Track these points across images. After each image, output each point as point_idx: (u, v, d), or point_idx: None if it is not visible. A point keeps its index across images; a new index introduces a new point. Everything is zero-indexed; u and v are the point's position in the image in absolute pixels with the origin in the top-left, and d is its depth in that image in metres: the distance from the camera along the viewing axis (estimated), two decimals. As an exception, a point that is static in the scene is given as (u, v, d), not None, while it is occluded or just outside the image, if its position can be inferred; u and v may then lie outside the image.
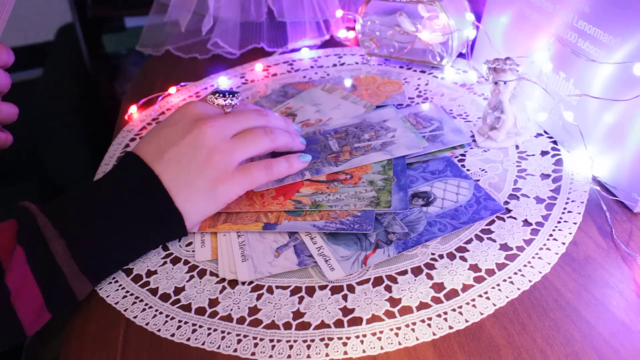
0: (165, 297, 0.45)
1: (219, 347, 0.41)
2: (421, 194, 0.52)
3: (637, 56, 0.49)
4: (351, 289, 0.44)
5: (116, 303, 0.45)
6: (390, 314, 0.42)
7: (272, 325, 0.42)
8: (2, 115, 0.53)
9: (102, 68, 1.66)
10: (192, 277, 0.47)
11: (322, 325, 0.41)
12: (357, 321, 0.41)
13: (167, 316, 0.44)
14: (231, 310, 0.43)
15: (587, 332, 0.39)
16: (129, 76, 1.62)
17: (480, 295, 0.42)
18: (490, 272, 0.44)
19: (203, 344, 0.41)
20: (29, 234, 0.43)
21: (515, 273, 0.44)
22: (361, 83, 0.73)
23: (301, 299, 0.44)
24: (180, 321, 0.43)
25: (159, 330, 0.43)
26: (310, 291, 0.44)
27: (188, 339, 0.42)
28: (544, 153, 0.56)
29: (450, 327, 0.40)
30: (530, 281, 0.43)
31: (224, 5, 0.83)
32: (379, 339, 0.40)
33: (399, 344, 0.39)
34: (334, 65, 0.79)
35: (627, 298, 0.41)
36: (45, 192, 1.21)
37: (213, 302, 0.44)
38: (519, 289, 0.42)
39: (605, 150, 0.52)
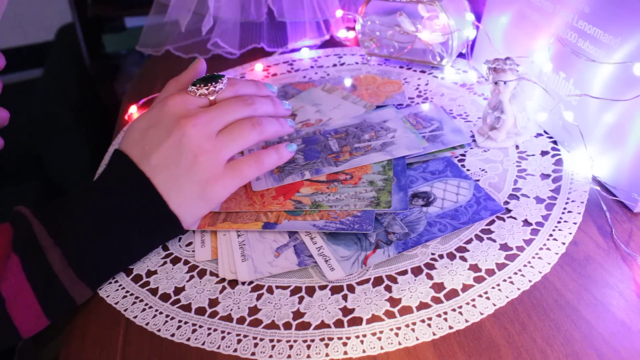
0: (165, 297, 0.45)
1: (219, 347, 0.41)
2: (421, 194, 0.52)
3: (637, 56, 0.49)
4: (351, 289, 0.44)
5: (116, 303, 0.45)
6: (390, 314, 0.42)
7: (272, 325, 0.42)
8: None
9: (102, 68, 1.66)
10: (192, 277, 0.47)
11: (322, 325, 0.41)
12: (357, 321, 0.41)
13: (167, 316, 0.44)
14: (231, 310, 0.43)
15: (587, 332, 0.39)
16: (129, 76, 1.62)
17: (480, 295, 0.42)
18: (490, 272, 0.44)
19: (203, 344, 0.41)
20: (24, 242, 0.43)
21: (515, 273, 0.44)
22: (361, 83, 0.73)
23: (301, 299, 0.44)
24: (180, 321, 0.43)
25: (159, 330, 0.43)
26: (310, 291, 0.44)
27: (188, 339, 0.42)
28: (544, 153, 0.56)
29: (450, 327, 0.40)
30: (530, 281, 0.43)
31: (224, 5, 0.83)
32: (379, 339, 0.40)
33: (399, 344, 0.39)
34: (334, 65, 0.79)
35: (627, 298, 0.41)
36: (45, 192, 1.21)
37: (213, 302, 0.44)
38: (519, 289, 0.42)
39: (605, 150, 0.52)
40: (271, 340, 0.41)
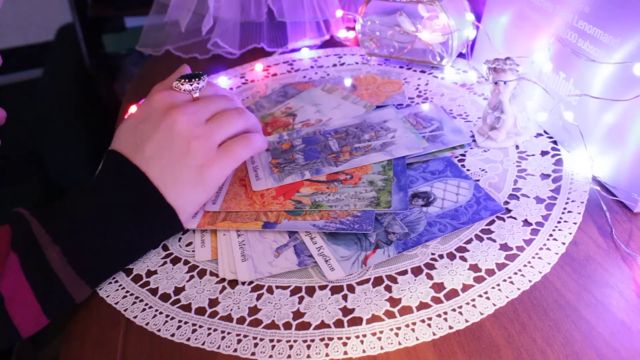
0: (165, 297, 0.45)
1: (219, 347, 0.41)
2: (421, 194, 0.52)
3: (637, 56, 0.49)
4: (351, 289, 0.44)
5: (116, 303, 0.45)
6: (390, 314, 0.42)
7: (272, 325, 0.42)
8: None
9: (102, 68, 1.66)
10: (192, 277, 0.47)
11: (322, 325, 0.41)
12: (357, 321, 0.41)
13: (167, 316, 0.44)
14: (231, 310, 0.43)
15: (587, 332, 0.39)
16: (129, 76, 1.62)
17: (480, 295, 0.42)
18: (490, 272, 0.44)
19: (203, 344, 0.41)
20: (23, 241, 0.43)
21: (515, 273, 0.44)
22: (361, 83, 0.73)
23: (301, 299, 0.44)
24: (180, 321, 0.43)
25: (159, 330, 0.43)
26: (310, 291, 0.44)
27: (188, 339, 0.42)
28: (544, 153, 0.56)
29: (450, 327, 0.40)
30: (530, 281, 0.43)
31: (224, 5, 0.83)
32: (379, 339, 0.40)
33: (399, 344, 0.39)
34: (334, 65, 0.79)
35: (627, 298, 0.41)
36: (45, 192, 1.21)
37: (213, 302, 0.44)
38: (519, 289, 0.42)
39: (605, 150, 0.52)
40: (271, 340, 0.41)
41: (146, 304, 0.45)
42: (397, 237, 0.48)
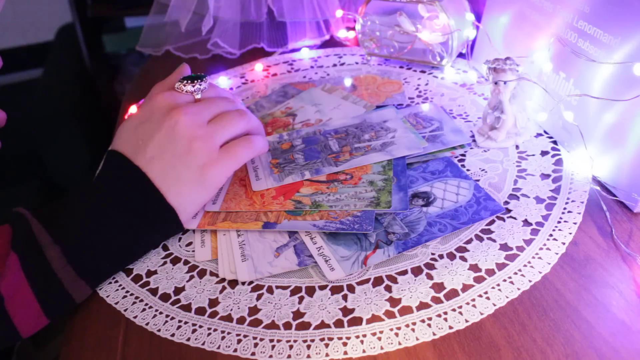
0: (165, 297, 0.45)
1: (219, 347, 0.41)
2: (421, 194, 0.52)
3: (637, 56, 0.49)
4: (351, 289, 0.44)
5: (116, 303, 0.45)
6: (390, 314, 0.42)
7: (272, 325, 0.42)
8: None
9: (102, 68, 1.66)
10: (192, 277, 0.47)
11: (322, 325, 0.41)
12: (357, 321, 0.41)
13: (167, 316, 0.44)
14: (231, 310, 0.43)
15: (587, 332, 0.39)
16: (129, 76, 1.62)
17: (480, 295, 0.42)
18: (490, 272, 0.44)
19: (203, 344, 0.41)
20: (23, 241, 0.43)
21: (515, 273, 0.44)
22: (361, 83, 0.73)
23: (301, 299, 0.44)
24: (180, 321, 0.43)
25: (159, 330, 0.43)
26: (310, 291, 0.44)
27: (188, 339, 0.42)
28: (544, 153, 0.56)
29: (450, 327, 0.40)
30: (530, 281, 0.43)
31: (224, 5, 0.83)
32: (379, 339, 0.40)
33: (399, 344, 0.39)
34: (334, 65, 0.79)
35: (627, 298, 0.41)
36: (45, 192, 1.21)
37: (213, 302, 0.44)
38: (519, 289, 0.42)
39: (605, 150, 0.52)
40: (271, 340, 0.41)
41: (146, 304, 0.45)
42: (397, 237, 0.48)
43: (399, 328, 0.40)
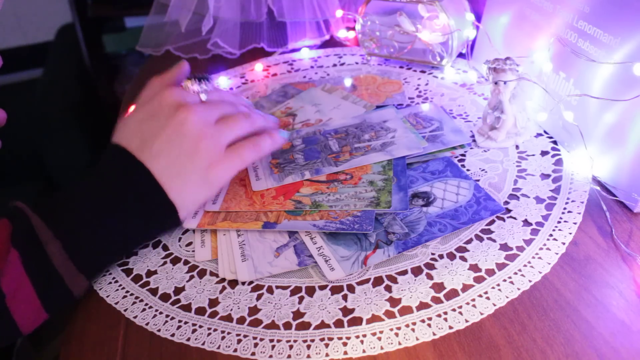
0: (165, 297, 0.45)
1: (219, 347, 0.41)
2: (421, 194, 0.52)
3: (637, 56, 0.49)
4: (351, 289, 0.44)
5: (116, 303, 0.46)
6: (390, 314, 0.42)
7: (272, 325, 0.42)
8: None
9: (102, 68, 1.66)
10: (192, 277, 0.47)
11: (322, 325, 0.41)
12: (357, 321, 0.41)
13: (167, 316, 0.44)
14: (231, 310, 0.43)
15: (587, 332, 0.39)
16: (129, 76, 1.62)
17: (480, 295, 0.42)
18: (490, 272, 0.44)
19: (203, 344, 0.41)
20: (23, 237, 0.43)
21: (515, 273, 0.44)
22: (361, 83, 0.73)
23: (301, 299, 0.44)
24: (180, 321, 0.43)
25: (159, 330, 0.43)
26: (310, 291, 0.44)
27: (188, 339, 0.42)
28: (544, 153, 0.56)
29: (450, 327, 0.40)
30: (530, 281, 0.43)
31: (224, 5, 0.83)
32: (379, 339, 0.40)
33: (399, 344, 0.39)
34: (334, 65, 0.79)
35: (627, 298, 0.41)
36: (45, 192, 1.21)
37: (213, 302, 0.44)
38: (519, 289, 0.42)
39: (605, 150, 0.52)
40: (271, 340, 0.41)
41: (146, 304, 0.45)
42: (397, 237, 0.48)
43: (399, 328, 0.40)
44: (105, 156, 0.50)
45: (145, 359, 0.41)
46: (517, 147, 0.57)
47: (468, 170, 0.55)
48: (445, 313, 0.41)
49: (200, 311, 0.44)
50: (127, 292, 0.46)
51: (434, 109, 0.64)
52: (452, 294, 0.43)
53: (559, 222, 0.48)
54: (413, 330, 0.40)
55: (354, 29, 0.84)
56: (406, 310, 0.42)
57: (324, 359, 0.39)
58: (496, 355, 0.38)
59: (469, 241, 0.47)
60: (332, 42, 0.86)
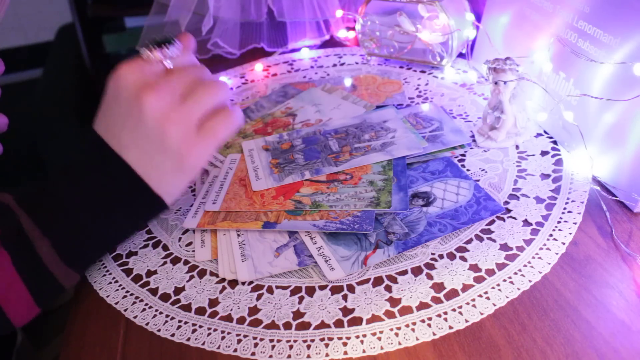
0: (165, 297, 0.45)
1: (219, 347, 0.41)
2: (421, 194, 0.52)
3: (637, 56, 0.49)
4: (351, 289, 0.44)
5: (116, 303, 0.46)
6: (390, 314, 0.42)
7: (272, 325, 0.42)
8: None
9: (102, 68, 1.66)
10: (192, 277, 0.47)
11: (322, 325, 0.41)
12: (357, 321, 0.41)
13: (167, 316, 0.44)
14: (231, 310, 0.43)
15: (587, 332, 0.39)
16: (129, 76, 1.62)
17: (480, 295, 0.42)
18: (490, 272, 0.44)
19: (203, 344, 0.41)
20: (12, 236, 0.43)
21: (515, 273, 0.44)
22: (361, 83, 0.73)
23: (301, 299, 0.44)
24: (180, 321, 0.43)
25: (159, 330, 0.43)
26: (310, 291, 0.44)
27: (188, 339, 0.42)
28: (544, 153, 0.56)
29: (450, 327, 0.40)
30: (530, 281, 0.43)
31: (224, 5, 0.83)
32: (379, 339, 0.40)
33: (399, 344, 0.39)
34: (334, 65, 0.79)
35: (627, 298, 0.41)
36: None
37: (213, 302, 0.44)
38: (519, 289, 0.42)
39: (605, 150, 0.52)
40: (271, 340, 0.41)
41: (146, 304, 0.45)
42: (397, 237, 0.48)
43: (399, 328, 0.40)
44: (84, 143, 0.46)
45: (145, 359, 0.41)
46: (517, 147, 0.57)
47: (468, 170, 0.55)
48: (445, 313, 0.41)
49: (200, 311, 0.44)
50: (127, 292, 0.46)
51: (434, 109, 0.64)
52: (452, 294, 0.43)
53: (559, 222, 0.48)
54: (413, 330, 0.40)
55: (354, 29, 0.84)
56: (406, 310, 0.42)
57: (324, 359, 0.39)
58: (496, 355, 0.38)
59: (469, 241, 0.47)
60: (332, 42, 0.86)
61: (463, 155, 0.57)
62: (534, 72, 0.60)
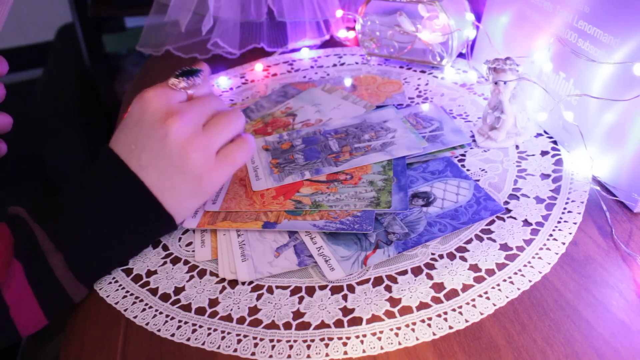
0: (165, 297, 0.45)
1: (219, 347, 0.41)
2: (421, 194, 0.52)
3: (637, 56, 0.49)
4: (351, 289, 0.44)
5: (116, 303, 0.46)
6: (390, 314, 0.42)
7: (272, 325, 0.42)
8: None
9: (102, 68, 1.66)
10: (192, 277, 0.47)
11: (322, 325, 0.41)
12: (357, 321, 0.41)
13: (167, 316, 0.44)
14: (231, 310, 0.43)
15: (587, 332, 0.39)
16: (129, 76, 1.62)
17: (480, 295, 0.42)
18: (490, 272, 0.44)
19: (203, 344, 0.41)
20: (26, 248, 0.43)
21: (515, 273, 0.44)
22: (361, 83, 0.73)
23: (301, 299, 0.44)
24: (180, 321, 0.43)
25: (159, 330, 0.43)
26: (310, 291, 0.44)
27: (188, 339, 0.42)
28: (544, 153, 0.56)
29: (450, 327, 0.40)
30: (530, 281, 0.43)
31: (224, 5, 0.83)
32: (379, 339, 0.40)
33: (399, 344, 0.39)
34: (334, 65, 0.79)
35: (627, 298, 0.41)
36: (45, 192, 1.21)
37: (213, 302, 0.44)
38: (519, 289, 0.42)
39: (605, 150, 0.52)
40: (271, 340, 0.41)
41: (146, 304, 0.45)
42: (397, 237, 0.48)
43: (399, 328, 0.40)
44: (100, 160, 0.48)
45: (145, 359, 0.41)
46: (517, 147, 0.57)
47: (468, 170, 0.55)
48: (445, 313, 0.41)
49: (200, 311, 0.44)
50: (127, 292, 0.46)
51: (434, 109, 0.64)
52: (452, 294, 0.43)
53: (559, 222, 0.48)
54: (413, 330, 0.40)
55: (354, 29, 0.83)
56: (406, 310, 0.42)
57: (324, 359, 0.39)
58: (496, 355, 0.38)
59: (469, 241, 0.47)
60: (332, 42, 0.86)
61: (463, 155, 0.57)
62: (534, 72, 0.60)
